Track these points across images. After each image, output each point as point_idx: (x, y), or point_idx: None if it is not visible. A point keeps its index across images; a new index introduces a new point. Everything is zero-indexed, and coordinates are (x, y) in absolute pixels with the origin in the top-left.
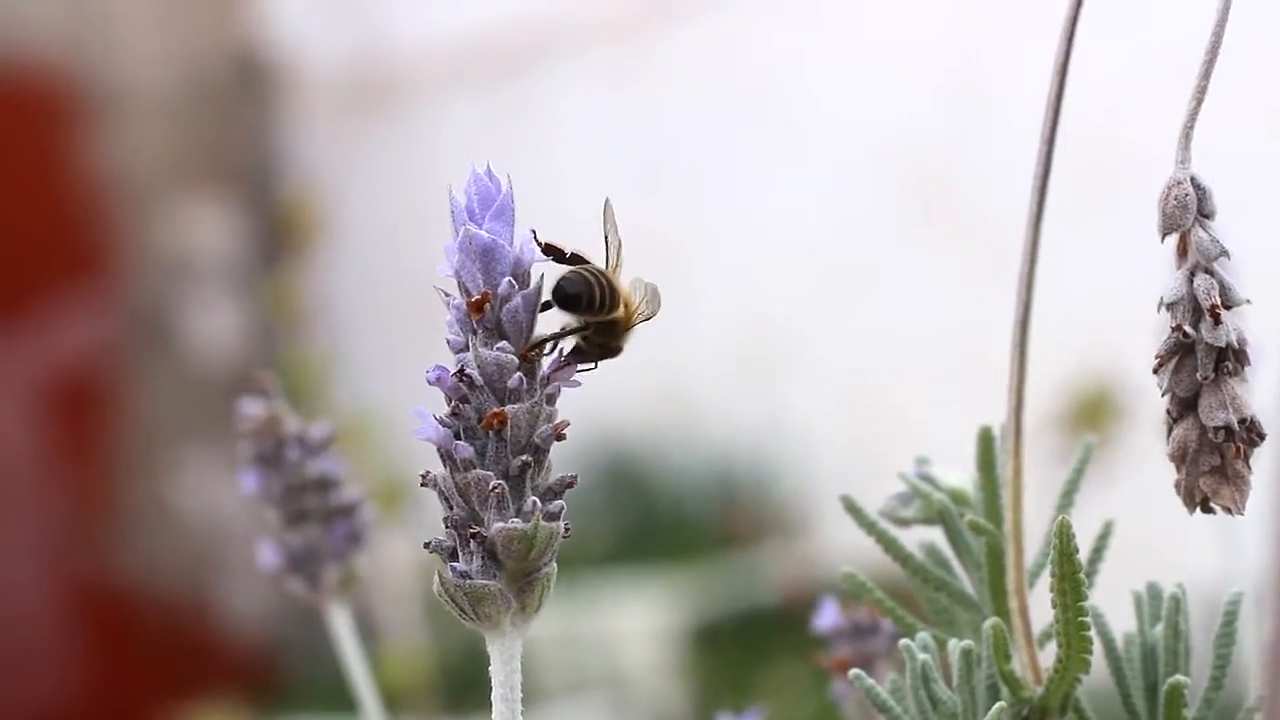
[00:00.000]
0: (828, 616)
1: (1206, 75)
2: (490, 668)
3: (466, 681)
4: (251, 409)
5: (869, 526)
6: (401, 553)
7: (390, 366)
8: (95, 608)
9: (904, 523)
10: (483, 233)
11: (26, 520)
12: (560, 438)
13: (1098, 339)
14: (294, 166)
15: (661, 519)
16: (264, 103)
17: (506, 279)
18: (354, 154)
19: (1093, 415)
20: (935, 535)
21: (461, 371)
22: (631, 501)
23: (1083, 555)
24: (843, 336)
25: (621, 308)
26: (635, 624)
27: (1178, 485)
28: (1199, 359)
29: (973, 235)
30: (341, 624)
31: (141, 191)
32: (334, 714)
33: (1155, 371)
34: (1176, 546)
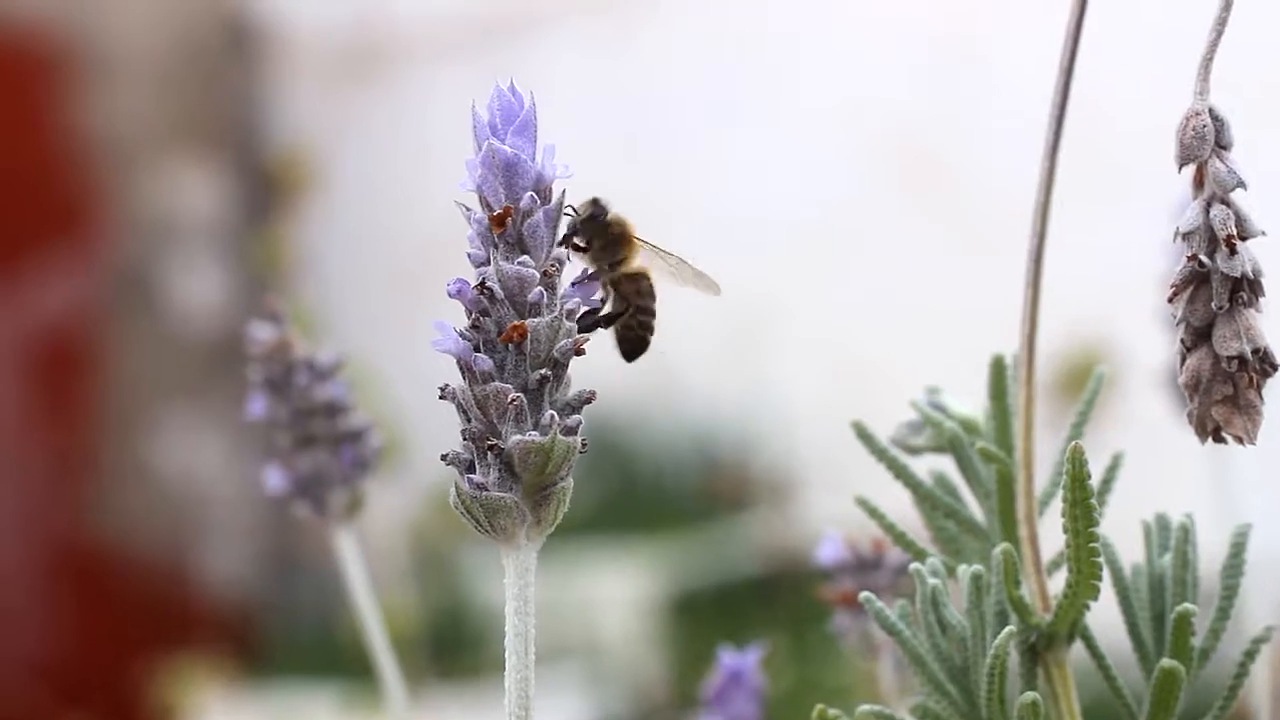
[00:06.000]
0: (831, 549)
1: (1227, 6)
2: (504, 580)
3: (451, 643)
4: (262, 333)
5: (880, 453)
6: (391, 508)
7: (378, 329)
8: (74, 567)
9: (914, 450)
10: (505, 147)
11: (6, 479)
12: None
13: (1089, 312)
14: (282, 130)
15: (642, 488)
16: (253, 66)
17: (528, 194)
18: (342, 119)
19: (1082, 384)
20: (945, 464)
21: (482, 284)
22: (613, 470)
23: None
24: (826, 308)
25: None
26: (614, 593)
27: (1190, 414)
28: (1214, 288)
29: (956, 208)
30: (348, 549)
31: (128, 152)
32: (312, 676)
33: (1170, 301)
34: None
